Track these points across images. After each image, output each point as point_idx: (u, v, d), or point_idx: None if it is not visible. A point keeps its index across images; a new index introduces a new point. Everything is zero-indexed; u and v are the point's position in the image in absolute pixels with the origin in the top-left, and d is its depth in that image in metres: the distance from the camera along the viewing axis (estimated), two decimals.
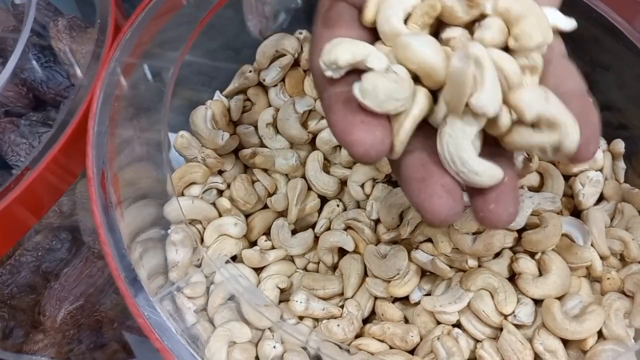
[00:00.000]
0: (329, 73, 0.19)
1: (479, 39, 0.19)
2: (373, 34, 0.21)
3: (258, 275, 0.33)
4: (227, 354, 0.28)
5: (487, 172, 0.18)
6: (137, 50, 0.30)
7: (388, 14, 0.20)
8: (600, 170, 0.33)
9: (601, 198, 0.33)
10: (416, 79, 0.19)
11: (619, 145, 0.34)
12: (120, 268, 0.22)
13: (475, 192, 0.18)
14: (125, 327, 0.40)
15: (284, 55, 0.37)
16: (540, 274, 0.29)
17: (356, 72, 0.19)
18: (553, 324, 0.27)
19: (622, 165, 0.34)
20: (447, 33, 0.20)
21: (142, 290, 0.23)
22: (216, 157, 0.34)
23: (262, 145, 0.37)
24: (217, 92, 0.38)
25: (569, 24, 0.21)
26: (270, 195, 0.35)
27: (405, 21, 0.20)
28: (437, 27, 0.21)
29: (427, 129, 0.19)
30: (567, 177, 0.34)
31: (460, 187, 0.18)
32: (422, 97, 0.19)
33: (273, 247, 0.34)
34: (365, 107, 0.18)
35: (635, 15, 0.30)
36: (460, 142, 0.18)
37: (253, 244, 0.35)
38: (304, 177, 0.35)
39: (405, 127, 0.19)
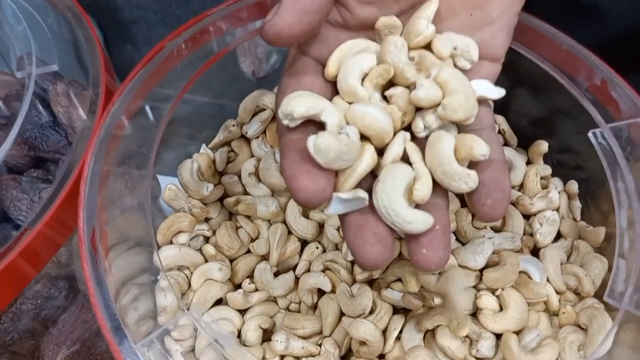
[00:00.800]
0: (285, 122, 0.22)
1: (416, 97, 0.22)
2: (334, 87, 0.24)
3: (243, 316, 0.36)
4: None
5: (419, 219, 0.20)
6: (129, 111, 0.33)
7: (346, 73, 0.23)
8: (557, 209, 0.36)
9: (559, 236, 0.36)
10: (365, 137, 0.22)
11: (573, 185, 0.36)
12: (106, 318, 0.25)
13: (410, 238, 0.21)
14: None
15: (264, 110, 0.40)
16: (501, 309, 0.31)
17: (312, 122, 0.22)
18: (511, 357, 0.29)
19: (577, 204, 0.36)
20: (391, 91, 0.23)
21: (126, 338, 0.25)
22: (202, 207, 0.37)
23: (246, 193, 0.39)
24: (203, 145, 0.41)
25: (498, 93, 0.24)
26: (253, 240, 0.38)
27: (363, 79, 0.23)
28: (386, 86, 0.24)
29: (368, 179, 0.22)
30: (527, 217, 0.36)
31: (392, 236, 0.21)
32: (369, 156, 0.22)
33: (256, 289, 0.37)
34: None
35: (576, 70, 0.33)
36: (392, 196, 0.20)
37: (238, 286, 0.37)
38: (284, 222, 0.38)
39: (349, 182, 0.21)
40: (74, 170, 0.31)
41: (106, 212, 0.31)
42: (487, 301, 0.31)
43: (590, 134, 0.30)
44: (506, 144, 0.40)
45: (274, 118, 0.41)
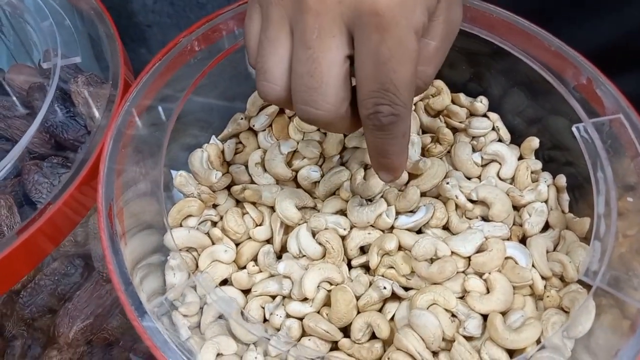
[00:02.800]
0: None
1: None
2: None
3: (246, 297, 0.38)
4: None
5: None
6: (142, 104, 0.35)
7: None
8: (546, 201, 0.38)
9: (547, 227, 0.38)
10: None
11: (562, 179, 0.38)
12: (120, 282, 0.27)
13: None
14: (132, 349, 0.45)
15: (270, 104, 0.42)
16: (488, 292, 0.33)
17: None
18: (495, 334, 0.31)
19: (565, 197, 0.38)
20: None
21: (142, 307, 0.27)
22: (210, 193, 0.39)
23: (252, 182, 0.42)
24: (213, 137, 0.43)
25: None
26: (257, 226, 0.40)
27: None
28: None
29: None
30: (517, 209, 0.38)
31: None
32: None
33: (260, 271, 0.39)
34: None
35: (564, 69, 0.35)
36: None
37: (242, 269, 0.39)
38: None
39: None
40: (93, 153, 0.33)
41: (122, 197, 0.33)
42: (475, 284, 0.33)
43: (574, 128, 0.32)
44: (500, 140, 0.42)
45: (280, 112, 0.43)
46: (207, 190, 0.39)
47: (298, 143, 0.42)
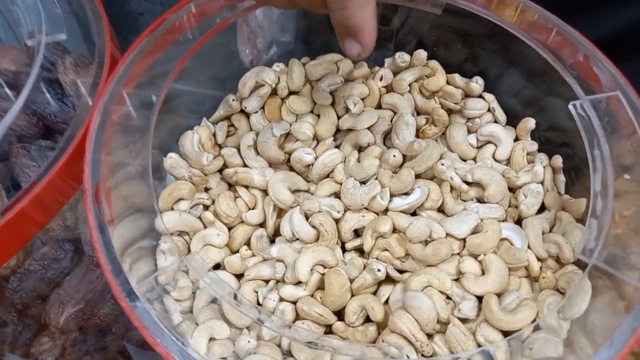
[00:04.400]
0: None
1: None
2: None
3: (239, 281, 0.37)
4: (208, 348, 0.32)
5: None
6: (130, 82, 0.34)
7: None
8: (542, 183, 0.37)
9: (543, 208, 0.37)
10: None
11: (558, 160, 0.38)
12: (108, 264, 0.27)
13: None
14: (125, 337, 0.44)
15: (262, 85, 0.42)
16: (483, 274, 0.33)
17: None
18: (490, 316, 0.30)
19: (562, 178, 0.38)
20: None
21: (131, 289, 0.27)
22: (201, 176, 0.38)
23: (244, 165, 0.41)
24: (204, 119, 0.42)
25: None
26: (250, 209, 0.39)
27: None
28: None
29: None
30: (513, 190, 0.38)
31: None
32: None
33: (253, 255, 0.38)
34: None
35: (561, 47, 0.35)
36: None
37: (235, 253, 0.39)
38: None
39: None
40: (79, 132, 0.32)
41: (110, 179, 0.33)
42: (470, 266, 0.33)
43: (570, 105, 0.31)
44: (496, 121, 0.41)
45: (273, 93, 0.42)
46: (198, 172, 0.38)
47: (291, 125, 0.41)
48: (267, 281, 0.37)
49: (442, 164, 0.37)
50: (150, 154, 0.34)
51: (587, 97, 0.31)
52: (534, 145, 0.39)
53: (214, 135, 0.41)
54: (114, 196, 0.32)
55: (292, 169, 0.41)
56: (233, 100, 0.42)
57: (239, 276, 0.38)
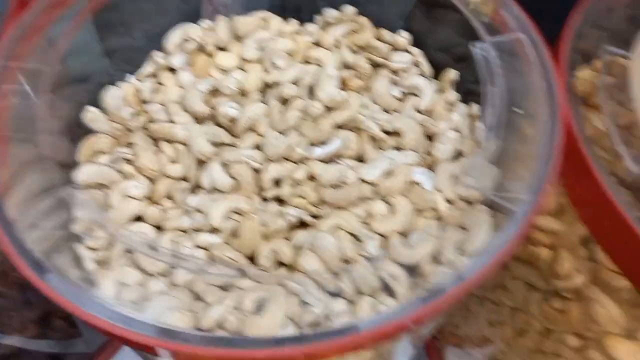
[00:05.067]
0: None
1: None
2: None
3: (158, 232, 0.37)
4: (117, 292, 0.32)
5: None
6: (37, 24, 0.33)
7: None
8: (458, 130, 0.37)
9: (460, 155, 0.37)
10: None
11: (475, 108, 0.38)
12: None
13: None
14: None
15: (189, 41, 0.42)
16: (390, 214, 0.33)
17: None
18: (393, 251, 0.31)
19: (480, 126, 0.38)
20: None
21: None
22: (121, 129, 0.38)
23: (171, 121, 0.41)
24: (129, 75, 0.42)
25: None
26: (173, 163, 0.39)
27: None
28: None
29: None
30: (432, 139, 0.38)
31: None
32: None
33: (176, 208, 0.38)
34: None
35: None
36: None
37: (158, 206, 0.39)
38: None
39: None
40: None
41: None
42: (378, 207, 0.33)
43: (472, 47, 0.32)
44: (423, 76, 0.42)
45: (200, 50, 0.42)
46: (119, 126, 0.38)
47: (217, 81, 0.41)
48: (186, 232, 0.37)
49: (361, 114, 0.37)
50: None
51: (491, 38, 0.32)
52: (455, 96, 0.40)
53: (139, 91, 0.41)
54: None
55: (220, 125, 0.41)
56: (160, 57, 0.42)
57: (161, 229, 0.38)
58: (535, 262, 0.35)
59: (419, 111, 0.40)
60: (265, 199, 0.38)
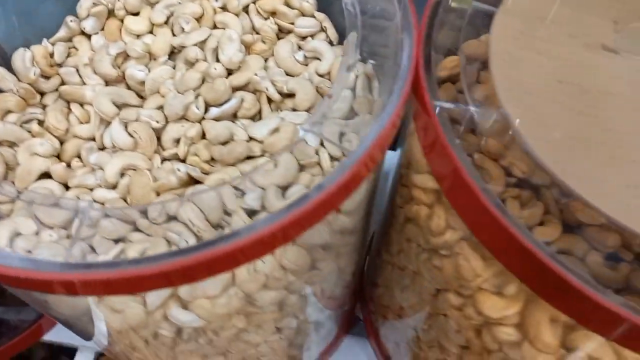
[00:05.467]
0: None
1: None
2: None
3: (66, 190, 0.39)
4: (11, 240, 0.34)
5: None
6: None
7: None
8: (352, 89, 0.39)
9: (355, 114, 0.39)
10: None
11: (369, 67, 0.39)
12: None
13: None
14: None
15: (99, 5, 0.43)
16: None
17: None
18: (267, 204, 0.32)
19: (375, 84, 0.39)
20: None
21: None
22: (31, 90, 0.40)
23: (83, 84, 0.42)
24: (44, 40, 0.43)
25: None
26: (81, 124, 0.41)
27: None
28: None
29: None
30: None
31: None
32: None
33: (84, 167, 0.40)
34: None
35: None
36: None
37: (68, 166, 0.40)
38: None
39: None
40: None
41: None
42: (262, 162, 0.35)
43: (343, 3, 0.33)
44: (331, 42, 0.43)
45: (111, 15, 0.44)
46: (27, 87, 0.40)
47: (125, 44, 0.42)
48: (92, 189, 0.39)
49: (257, 75, 0.38)
50: None
51: None
52: (355, 58, 0.41)
53: (52, 55, 0.42)
54: None
55: (130, 88, 0.42)
56: (71, 21, 0.43)
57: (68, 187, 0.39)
58: (418, 220, 0.36)
59: (319, 75, 0.41)
60: (166, 159, 0.39)
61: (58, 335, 0.68)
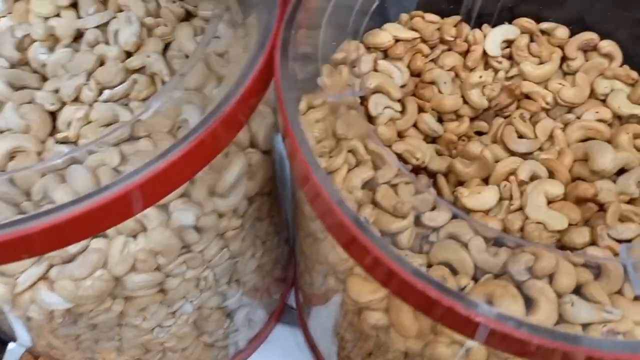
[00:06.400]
0: None
1: None
2: None
3: None
4: None
5: None
6: None
7: None
8: None
9: None
10: None
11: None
12: None
13: None
14: None
15: None
16: None
17: None
18: None
19: None
20: None
21: None
22: None
23: None
24: None
25: None
26: None
27: None
28: None
29: None
30: None
31: None
32: None
33: None
34: None
35: None
36: None
37: None
38: None
39: None
40: None
41: None
42: (142, 143, 0.34)
43: None
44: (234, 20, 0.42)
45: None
46: None
47: (31, 26, 0.42)
48: None
49: (149, 56, 0.38)
50: None
51: None
52: (256, 37, 0.40)
53: None
54: None
55: (36, 71, 0.42)
56: None
57: None
58: (302, 206, 0.36)
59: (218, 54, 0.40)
60: (61, 142, 0.39)
61: None
